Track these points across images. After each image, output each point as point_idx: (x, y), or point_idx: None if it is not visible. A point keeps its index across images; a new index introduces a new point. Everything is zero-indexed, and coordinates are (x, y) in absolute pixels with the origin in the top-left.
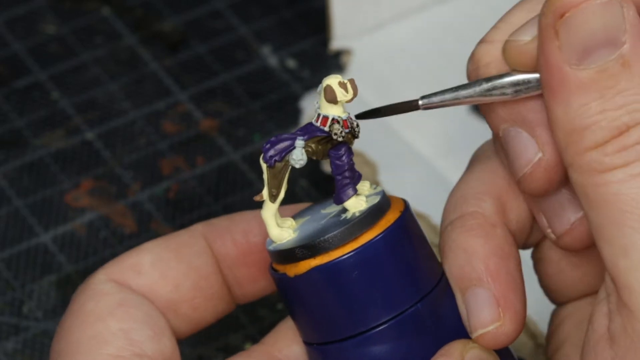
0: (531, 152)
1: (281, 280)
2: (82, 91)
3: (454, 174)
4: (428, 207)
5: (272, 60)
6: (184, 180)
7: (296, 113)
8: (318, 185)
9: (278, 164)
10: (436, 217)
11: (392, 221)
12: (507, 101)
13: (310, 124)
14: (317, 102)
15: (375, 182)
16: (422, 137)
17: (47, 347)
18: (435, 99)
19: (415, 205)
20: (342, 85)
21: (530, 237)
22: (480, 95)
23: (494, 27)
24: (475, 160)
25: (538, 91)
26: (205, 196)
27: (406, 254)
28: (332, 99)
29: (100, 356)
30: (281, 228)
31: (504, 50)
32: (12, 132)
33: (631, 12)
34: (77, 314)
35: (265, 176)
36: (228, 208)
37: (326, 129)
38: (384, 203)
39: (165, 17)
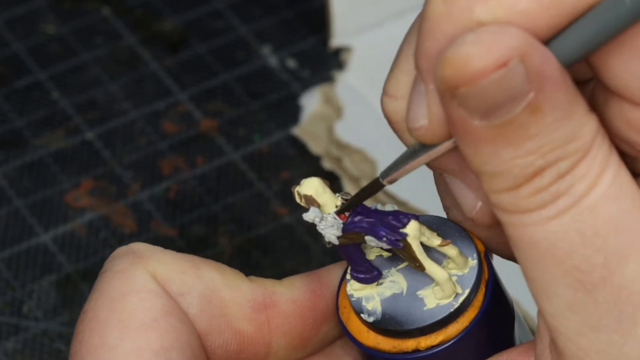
0: (470, 200)
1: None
2: (82, 91)
3: None
4: (427, 203)
5: (272, 60)
6: (184, 180)
7: (296, 113)
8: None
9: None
10: (435, 213)
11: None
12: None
13: (352, 222)
14: (320, 218)
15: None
16: None
17: (47, 347)
18: (395, 174)
19: (415, 203)
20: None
21: None
22: (434, 153)
23: (394, 76)
24: None
25: None
26: (205, 196)
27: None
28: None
29: None
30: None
31: (413, 134)
32: (12, 132)
33: (534, 59)
34: (116, 306)
35: (410, 254)
36: (228, 208)
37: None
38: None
39: (165, 17)
